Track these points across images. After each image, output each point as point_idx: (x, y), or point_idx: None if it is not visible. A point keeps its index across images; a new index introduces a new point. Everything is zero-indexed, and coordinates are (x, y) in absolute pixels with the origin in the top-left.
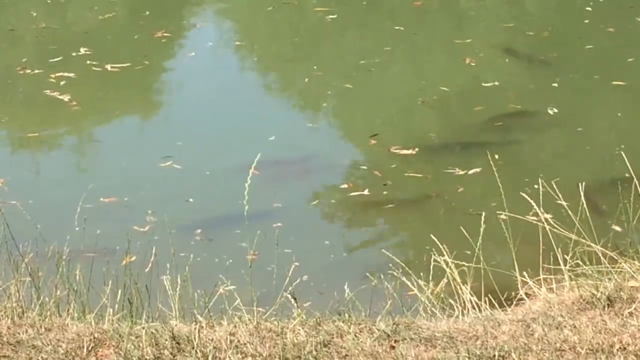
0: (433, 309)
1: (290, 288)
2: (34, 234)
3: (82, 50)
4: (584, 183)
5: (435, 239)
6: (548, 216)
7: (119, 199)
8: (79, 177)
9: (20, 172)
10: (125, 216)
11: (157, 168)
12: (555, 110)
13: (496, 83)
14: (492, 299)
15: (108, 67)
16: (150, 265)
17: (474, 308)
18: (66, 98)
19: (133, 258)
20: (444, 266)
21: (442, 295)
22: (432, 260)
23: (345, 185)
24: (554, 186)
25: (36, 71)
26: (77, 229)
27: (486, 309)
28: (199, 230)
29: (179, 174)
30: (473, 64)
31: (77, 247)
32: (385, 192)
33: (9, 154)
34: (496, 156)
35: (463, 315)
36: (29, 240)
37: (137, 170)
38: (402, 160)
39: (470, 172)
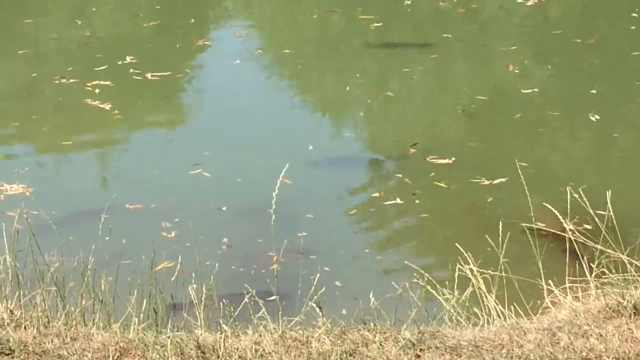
0: (458, 317)
1: (315, 297)
2: (60, 243)
3: (128, 59)
4: (610, 191)
5: (460, 247)
6: (574, 225)
7: (144, 205)
8: (106, 185)
9: (47, 181)
10: (151, 223)
11: (186, 176)
12: (597, 117)
13: (536, 90)
14: (518, 308)
15: (149, 75)
16: (175, 274)
17: (499, 316)
18: (107, 106)
19: (170, 264)
20: (469, 275)
21: (467, 304)
22: (457, 268)
23: (377, 194)
24: (582, 194)
25: (77, 80)
26: (106, 238)
27: (511, 317)
28: (225, 239)
29: (208, 181)
30: (517, 71)
31: (102, 256)
32: (417, 201)
33: (40, 162)
34: (525, 164)
35: (488, 323)
36: (54, 249)
37: (166, 177)
38: (437, 170)
39: (496, 181)
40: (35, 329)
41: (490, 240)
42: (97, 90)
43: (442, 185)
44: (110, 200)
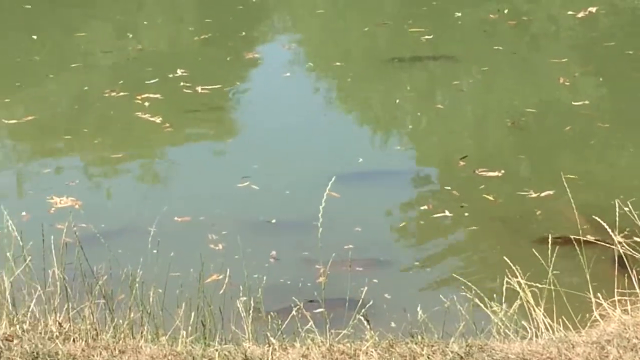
0: (506, 330)
1: (363, 310)
2: (108, 255)
3: (179, 72)
4: None
5: (508, 260)
6: (623, 238)
7: (193, 218)
8: (155, 198)
9: (97, 194)
10: (199, 236)
11: (234, 188)
12: None
13: (586, 102)
14: (566, 321)
15: (199, 88)
16: (224, 286)
17: (547, 330)
18: (158, 120)
19: (220, 277)
20: (517, 288)
21: (515, 317)
22: (505, 281)
23: (426, 207)
24: (630, 207)
25: (127, 93)
26: (154, 251)
27: (560, 330)
28: (273, 252)
29: (256, 194)
30: (567, 84)
31: (151, 269)
32: (466, 214)
33: (90, 175)
34: (574, 176)
35: (536, 337)
36: (103, 262)
37: (215, 190)
38: (486, 182)
39: (544, 194)
40: (83, 342)
41: (537, 254)
42: (146, 104)
43: (490, 198)
44: (159, 214)
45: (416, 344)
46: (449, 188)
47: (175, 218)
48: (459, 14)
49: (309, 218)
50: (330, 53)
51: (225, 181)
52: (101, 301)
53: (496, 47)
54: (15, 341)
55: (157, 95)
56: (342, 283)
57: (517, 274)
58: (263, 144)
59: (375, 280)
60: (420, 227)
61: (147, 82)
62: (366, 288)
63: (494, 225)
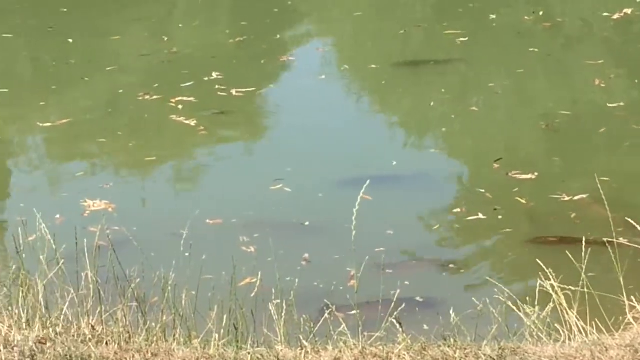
0: (539, 333)
1: (395, 313)
2: (141, 259)
3: (214, 75)
4: None
5: (541, 263)
6: None
7: (225, 221)
8: (188, 200)
9: (130, 196)
10: (231, 238)
11: (267, 191)
12: None
13: (622, 104)
14: (599, 324)
15: (233, 91)
16: (256, 289)
17: (580, 333)
18: (192, 123)
19: (254, 280)
20: (550, 290)
21: (548, 320)
22: (538, 284)
23: (459, 210)
24: None
25: (161, 96)
26: (186, 254)
27: (593, 333)
28: (306, 255)
29: (288, 196)
30: (603, 85)
31: (183, 272)
32: (500, 217)
33: (123, 178)
34: (608, 179)
35: (570, 340)
36: (135, 265)
37: (247, 193)
38: (520, 185)
39: (576, 197)
40: (116, 345)
41: (570, 256)
42: (180, 106)
43: (523, 201)
44: (192, 216)
45: (449, 347)
46: (483, 191)
47: (207, 220)
48: (494, 16)
49: (342, 220)
50: (366, 55)
51: (257, 183)
52: (134, 304)
53: (532, 49)
54: (48, 344)
55: (191, 98)
56: (375, 286)
57: (550, 276)
58: (296, 146)
59: (407, 283)
60: (453, 230)
61: (182, 85)
62: (398, 291)
63: (527, 228)
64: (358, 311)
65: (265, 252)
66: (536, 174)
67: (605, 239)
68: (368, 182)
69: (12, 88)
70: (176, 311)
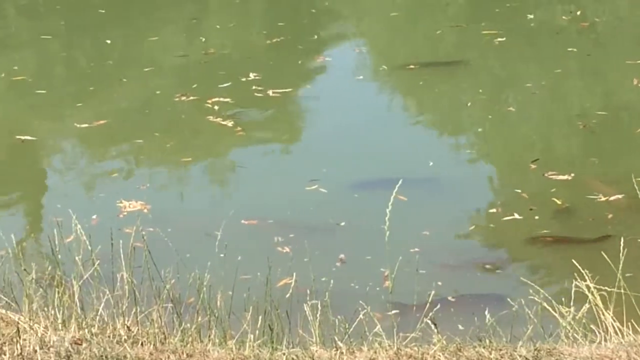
0: (575, 334)
1: (430, 313)
2: (176, 259)
3: (252, 76)
4: None
5: (577, 264)
6: None
7: (260, 221)
8: (223, 201)
9: (166, 197)
10: (266, 239)
11: (302, 191)
12: None
13: None
14: (636, 325)
15: (270, 92)
16: (291, 290)
17: (616, 333)
18: (229, 123)
19: (291, 280)
20: (586, 291)
21: (584, 321)
22: (573, 285)
23: (495, 210)
24: None
25: (198, 97)
26: (221, 255)
27: (629, 334)
28: (342, 255)
29: (324, 197)
30: None
31: (218, 273)
32: (536, 217)
33: (160, 179)
34: None
35: (606, 340)
36: (170, 266)
37: (282, 193)
38: (556, 186)
39: (612, 198)
40: (152, 345)
41: (606, 257)
42: (216, 107)
43: (558, 202)
44: (227, 217)
45: (484, 347)
46: (519, 191)
47: (243, 221)
48: (531, 16)
49: (377, 221)
50: (402, 56)
51: (293, 184)
52: (169, 305)
53: (570, 49)
54: (84, 345)
55: (228, 99)
56: (410, 286)
57: (586, 277)
58: (332, 147)
59: (439, 283)
60: (489, 230)
61: (219, 85)
62: (433, 292)
63: (563, 228)
64: (393, 312)
65: (301, 253)
66: (572, 174)
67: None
68: (400, 182)
69: (49, 89)
70: (211, 312)
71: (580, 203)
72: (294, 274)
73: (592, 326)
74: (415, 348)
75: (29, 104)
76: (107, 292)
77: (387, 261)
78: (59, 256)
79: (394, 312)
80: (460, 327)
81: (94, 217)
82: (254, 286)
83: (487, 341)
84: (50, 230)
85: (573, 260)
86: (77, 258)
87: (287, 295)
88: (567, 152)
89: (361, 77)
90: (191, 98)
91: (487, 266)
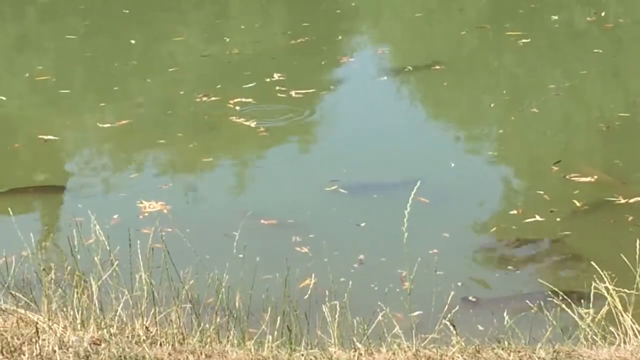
0: (594, 336)
1: (449, 315)
2: (194, 260)
3: (276, 76)
4: None
5: (596, 265)
6: None
7: (279, 221)
8: (243, 201)
9: (186, 198)
10: (285, 239)
11: (322, 192)
12: None
13: None
14: None
15: (293, 92)
16: (309, 291)
17: (635, 336)
18: (252, 124)
19: (313, 281)
20: (605, 293)
21: (603, 323)
22: (592, 287)
23: (515, 212)
24: None
25: (221, 97)
26: (239, 255)
27: None
28: (361, 256)
29: (343, 197)
30: None
31: (236, 273)
32: (557, 219)
33: (182, 179)
34: None
35: (625, 343)
36: (189, 266)
37: (302, 193)
38: (578, 187)
39: (632, 200)
40: (170, 346)
41: (625, 259)
42: (239, 108)
43: (577, 204)
44: (246, 217)
45: (503, 349)
46: (541, 192)
47: (262, 221)
48: (555, 17)
49: (397, 222)
50: (427, 57)
51: (313, 185)
52: (188, 305)
53: (596, 50)
54: (102, 345)
55: (251, 100)
56: (429, 287)
57: (605, 279)
58: (354, 148)
59: (459, 284)
60: (510, 232)
61: (244, 86)
62: (452, 293)
63: (584, 229)
64: (411, 313)
65: (320, 253)
66: (595, 176)
67: None
68: (419, 183)
69: (73, 89)
70: (230, 313)
71: (600, 205)
72: (312, 275)
73: (611, 328)
74: (434, 350)
75: (53, 104)
76: (126, 293)
77: (405, 262)
78: (78, 256)
79: (413, 313)
80: (480, 327)
81: (115, 217)
82: (272, 287)
83: (506, 343)
84: (70, 230)
85: (592, 263)
86: (96, 258)
87: (306, 297)
88: (589, 154)
89: (385, 77)
90: (214, 98)
91: (509, 267)
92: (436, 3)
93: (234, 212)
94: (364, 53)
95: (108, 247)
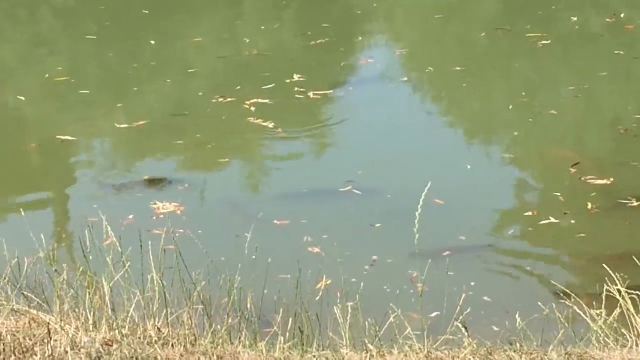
0: (606, 339)
1: (461, 317)
2: (207, 261)
3: (296, 77)
4: None
5: (608, 268)
6: None
7: (292, 221)
8: (257, 202)
9: (200, 199)
10: (298, 240)
11: (336, 193)
12: None
13: None
14: None
15: (311, 94)
16: (320, 293)
17: None
18: (270, 125)
19: (329, 282)
20: (617, 295)
21: (615, 325)
22: (604, 289)
23: (530, 213)
24: None
25: (238, 98)
26: (252, 257)
27: None
28: (375, 257)
29: (357, 198)
30: None
31: (249, 274)
32: (573, 221)
33: (198, 181)
34: None
35: (637, 345)
36: (201, 268)
37: (316, 194)
38: (594, 190)
39: None
40: (182, 347)
41: (637, 261)
42: (256, 109)
43: (591, 206)
44: (259, 217)
45: (515, 352)
46: (557, 194)
47: (275, 221)
48: (575, 19)
49: (411, 224)
50: (447, 58)
51: (327, 185)
52: (200, 307)
53: (617, 52)
54: (114, 346)
55: (267, 101)
56: (442, 288)
57: (617, 281)
58: (371, 149)
59: (472, 283)
60: (524, 233)
61: (263, 87)
62: (464, 295)
63: (598, 231)
64: (423, 315)
65: (333, 254)
66: (612, 179)
67: None
68: (429, 184)
69: (92, 89)
70: (242, 314)
71: (615, 207)
72: (324, 276)
73: (623, 330)
74: (446, 352)
75: (71, 105)
76: (138, 294)
77: (418, 264)
78: (90, 257)
79: (424, 315)
80: (494, 327)
81: (130, 217)
82: (284, 288)
83: (518, 345)
84: (83, 231)
85: (604, 265)
86: (108, 259)
87: (317, 298)
88: (606, 157)
89: (405, 78)
90: (233, 99)
91: (522, 268)
92: (456, 5)
93: (247, 212)
94: (384, 54)
95: (120, 249)
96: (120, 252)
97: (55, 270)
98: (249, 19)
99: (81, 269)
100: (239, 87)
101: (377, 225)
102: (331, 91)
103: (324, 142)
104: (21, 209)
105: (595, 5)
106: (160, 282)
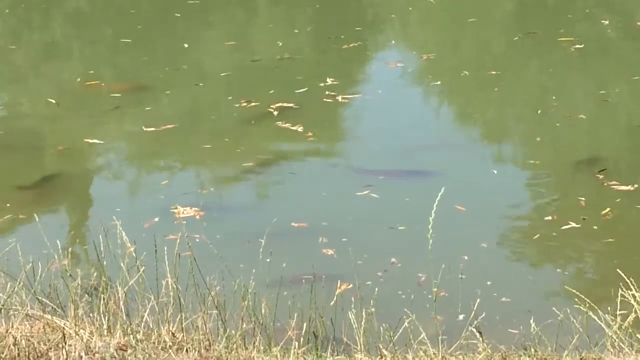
0: (621, 344)
1: (475, 322)
2: (222, 266)
3: (329, 81)
4: None
5: (622, 273)
6: None
7: (310, 224)
8: (274, 206)
9: (220, 203)
10: (314, 244)
11: (353, 197)
12: None
13: None
14: None
15: (339, 97)
16: (335, 298)
17: None
18: (299, 129)
19: (350, 285)
20: (632, 300)
21: (630, 330)
22: (619, 294)
23: (550, 218)
24: None
25: (269, 102)
26: (267, 260)
27: None
28: (393, 259)
29: (375, 202)
30: None
31: (263, 279)
32: (595, 227)
33: (222, 184)
34: None
35: None
36: (216, 272)
37: (334, 198)
38: (618, 196)
39: None
40: (196, 352)
41: None
42: (282, 112)
43: (608, 211)
44: (276, 221)
45: (529, 356)
46: (581, 199)
47: (292, 224)
48: (606, 22)
49: (426, 229)
50: (480, 63)
51: (346, 189)
52: (214, 312)
53: None
54: (129, 351)
55: (292, 104)
56: (456, 294)
57: (632, 286)
58: (393, 153)
59: (488, 283)
60: (542, 238)
61: (296, 91)
62: (479, 300)
63: (616, 237)
64: (437, 320)
65: (350, 258)
66: (636, 185)
67: None
68: (442, 189)
69: (123, 92)
70: (256, 319)
71: (632, 214)
72: (338, 281)
73: (638, 335)
74: (461, 357)
75: (101, 108)
76: (152, 299)
77: (432, 269)
78: (104, 262)
79: (438, 319)
80: (510, 329)
81: (153, 220)
82: (298, 293)
83: (532, 350)
84: (101, 235)
85: (618, 270)
86: (122, 264)
87: (332, 303)
88: (634, 162)
89: (439, 82)
90: (258, 103)
91: (538, 273)
92: (489, 10)
93: (265, 216)
94: (413, 58)
95: (134, 254)
96: (134, 257)
97: (70, 275)
98: (281, 22)
99: (95, 274)
100: (272, 91)
101: (400, 227)
102: (360, 95)
103: (348, 145)
104: (34, 214)
105: (626, 8)
106: (174, 287)
